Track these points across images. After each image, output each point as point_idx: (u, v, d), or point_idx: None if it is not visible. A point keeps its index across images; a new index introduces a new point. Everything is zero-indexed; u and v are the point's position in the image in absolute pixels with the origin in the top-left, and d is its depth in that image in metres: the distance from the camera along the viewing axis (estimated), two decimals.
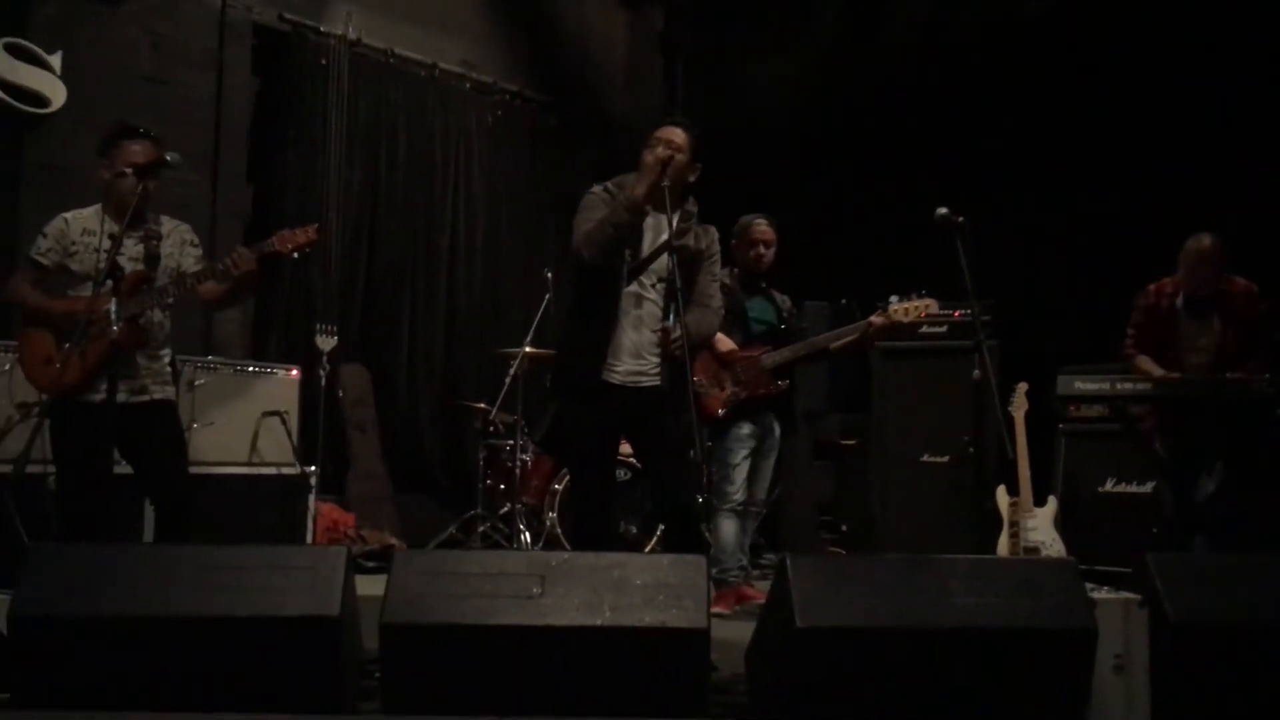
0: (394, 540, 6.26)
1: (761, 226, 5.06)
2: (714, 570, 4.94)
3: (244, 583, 2.47)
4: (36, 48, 5.60)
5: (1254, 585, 2.64)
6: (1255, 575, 2.68)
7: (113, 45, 5.98)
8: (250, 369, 5.67)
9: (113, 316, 3.54)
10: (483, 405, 6.48)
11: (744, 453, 4.89)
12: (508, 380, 6.28)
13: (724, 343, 4.88)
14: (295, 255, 3.89)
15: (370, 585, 2.78)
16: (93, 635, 2.42)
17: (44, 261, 3.83)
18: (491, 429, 6.53)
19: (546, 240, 8.02)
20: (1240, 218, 5.21)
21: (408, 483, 7.08)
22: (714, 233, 3.90)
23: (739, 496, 4.88)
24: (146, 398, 3.83)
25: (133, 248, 3.80)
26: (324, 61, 6.84)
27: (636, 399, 3.66)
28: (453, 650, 2.44)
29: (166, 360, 3.97)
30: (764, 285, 5.13)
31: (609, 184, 3.82)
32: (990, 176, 6.38)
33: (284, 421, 5.65)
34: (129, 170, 3.66)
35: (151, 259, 3.82)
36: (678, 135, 3.71)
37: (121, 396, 3.65)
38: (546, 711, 2.39)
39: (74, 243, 3.82)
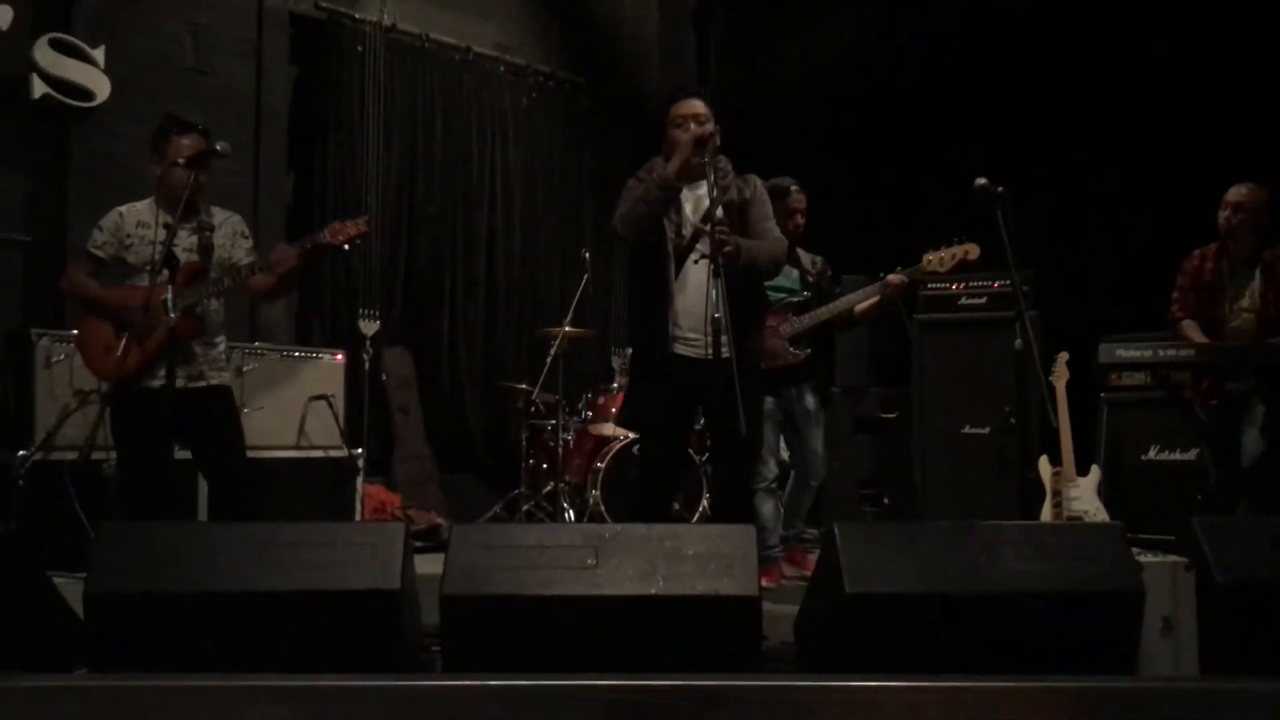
0: (440, 520, 6.36)
1: (797, 194, 4.97)
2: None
3: (307, 559, 2.54)
4: (80, 42, 5.71)
5: None
6: None
7: (154, 37, 6.09)
8: (296, 354, 5.76)
9: (169, 306, 3.63)
10: (524, 386, 6.55)
11: (767, 428, 4.82)
12: (548, 360, 6.35)
13: None
14: (346, 247, 3.95)
15: (419, 564, 2.83)
16: (164, 611, 2.50)
17: (100, 254, 3.94)
18: (533, 409, 6.60)
19: (584, 220, 8.10)
20: None
21: (452, 463, 7.20)
22: (755, 179, 3.93)
23: (770, 473, 4.87)
24: (204, 383, 3.93)
25: (186, 239, 3.90)
26: (360, 48, 6.93)
27: (702, 370, 3.67)
28: (511, 620, 2.50)
29: (222, 347, 4.08)
30: (791, 250, 4.96)
31: (640, 172, 3.89)
32: (1028, 146, 6.36)
33: (330, 405, 5.76)
34: (181, 162, 3.75)
35: (205, 250, 3.92)
36: (701, 107, 3.76)
37: (180, 382, 3.75)
38: None
39: (129, 235, 3.93)
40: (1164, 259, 5.12)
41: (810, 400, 4.98)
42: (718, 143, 3.73)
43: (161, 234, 3.85)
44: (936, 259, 4.66)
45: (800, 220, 4.98)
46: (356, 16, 6.93)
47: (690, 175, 3.68)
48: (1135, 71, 6.16)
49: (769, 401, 4.83)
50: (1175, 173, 5.83)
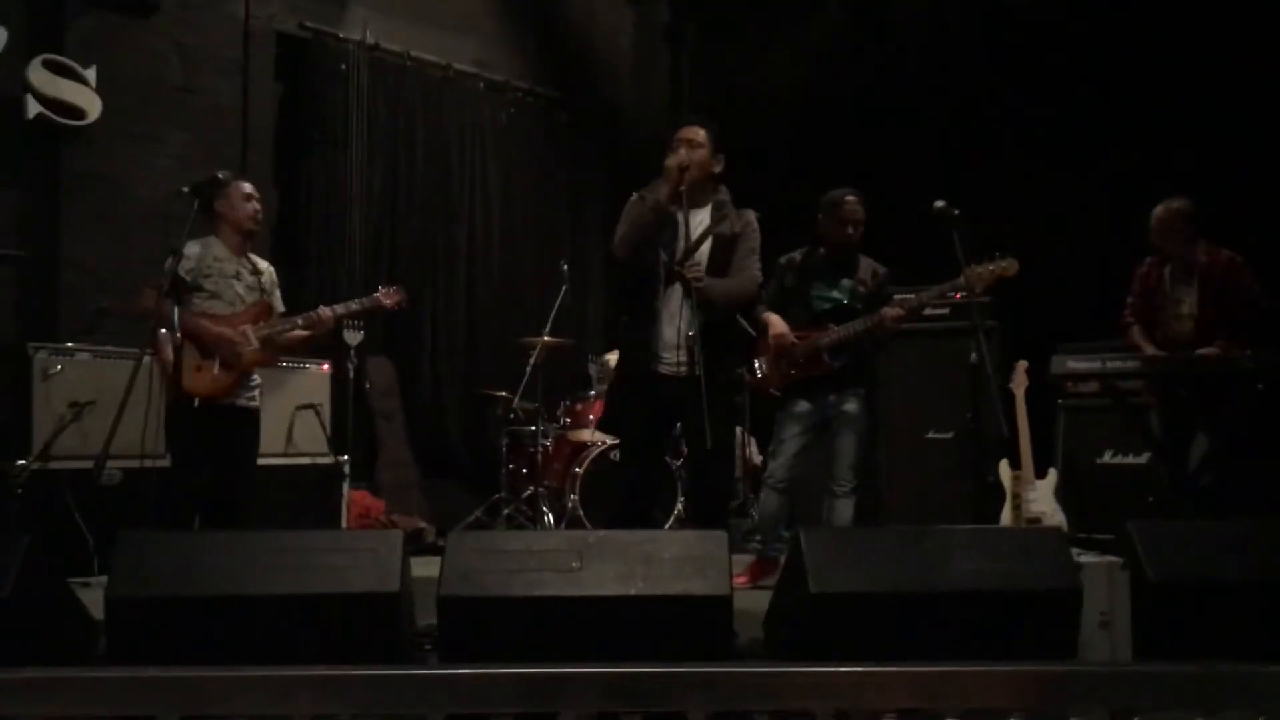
0: (423, 524, 6.54)
1: (851, 204, 4.96)
2: (757, 539, 5.17)
3: (314, 563, 2.75)
4: (73, 63, 5.86)
5: (1224, 546, 2.90)
6: (1225, 537, 2.94)
7: (144, 57, 6.24)
8: (284, 364, 5.88)
9: (252, 337, 4.44)
10: (504, 393, 6.72)
11: (795, 430, 4.94)
12: (528, 369, 6.53)
13: (776, 324, 4.89)
14: (395, 309, 5.12)
15: None
16: (180, 614, 2.70)
17: (186, 278, 4.41)
18: (512, 416, 6.78)
19: (561, 232, 8.28)
20: (1235, 191, 5.41)
21: (434, 469, 7.36)
22: (750, 215, 4.10)
23: (781, 473, 4.94)
24: (253, 405, 4.61)
25: (248, 277, 4.60)
26: (343, 66, 7.08)
27: (682, 387, 3.86)
28: (502, 619, 2.72)
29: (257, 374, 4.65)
30: (849, 260, 5.04)
31: (644, 190, 4.03)
32: (989, 159, 6.57)
33: (318, 414, 5.92)
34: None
35: (261, 290, 4.65)
36: (698, 134, 3.96)
37: (241, 402, 4.47)
38: None
39: (209, 266, 4.49)
40: (1121, 267, 5.34)
41: (852, 406, 4.94)
42: (716, 170, 3.96)
43: (231, 268, 4.53)
44: (976, 275, 4.52)
45: (851, 231, 4.97)
46: (340, 35, 7.08)
47: (693, 200, 3.86)
48: (1091, 84, 6.36)
49: (803, 405, 4.94)
50: (1130, 184, 6.03)
